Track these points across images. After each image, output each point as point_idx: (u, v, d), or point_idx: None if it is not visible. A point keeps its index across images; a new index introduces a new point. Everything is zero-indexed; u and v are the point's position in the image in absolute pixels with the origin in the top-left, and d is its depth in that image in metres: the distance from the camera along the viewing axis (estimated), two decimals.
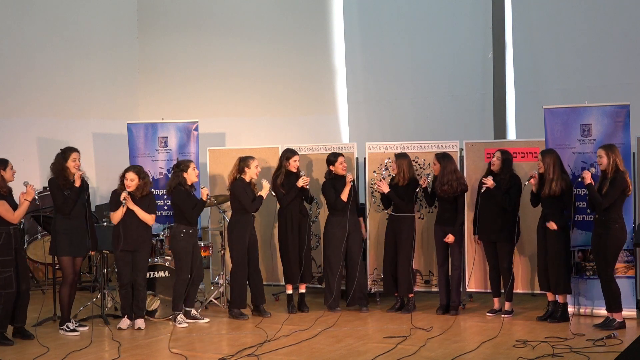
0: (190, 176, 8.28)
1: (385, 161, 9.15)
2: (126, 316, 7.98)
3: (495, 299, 8.38)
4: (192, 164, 8.35)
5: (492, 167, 8.21)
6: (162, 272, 8.43)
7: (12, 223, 7.37)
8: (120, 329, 7.87)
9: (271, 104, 12.64)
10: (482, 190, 8.13)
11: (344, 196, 8.53)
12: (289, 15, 12.72)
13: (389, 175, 8.95)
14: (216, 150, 10.01)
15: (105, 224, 8.97)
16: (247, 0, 12.91)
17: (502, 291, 8.34)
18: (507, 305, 8.23)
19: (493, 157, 8.25)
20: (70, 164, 7.68)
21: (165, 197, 9.73)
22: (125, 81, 12.89)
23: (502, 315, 8.15)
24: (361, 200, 9.34)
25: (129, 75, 13.00)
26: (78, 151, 7.79)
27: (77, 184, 7.67)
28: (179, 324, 8.04)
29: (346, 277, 8.73)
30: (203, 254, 8.89)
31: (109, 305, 8.56)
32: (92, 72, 12.26)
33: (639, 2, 10.36)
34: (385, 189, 8.48)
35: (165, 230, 9.21)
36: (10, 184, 7.52)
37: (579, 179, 7.64)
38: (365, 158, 9.29)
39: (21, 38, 11.44)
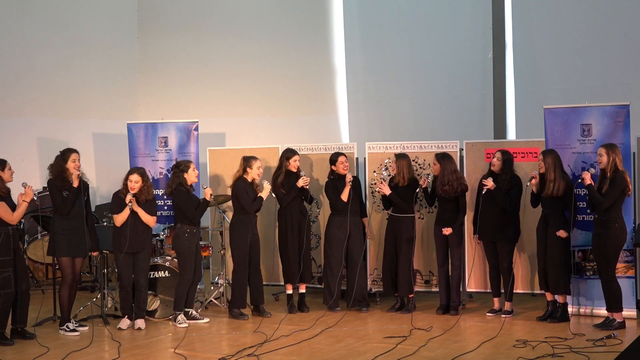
0: (191, 177, 8.28)
1: (385, 161, 9.15)
2: (126, 316, 7.98)
3: (495, 299, 8.38)
4: (192, 165, 8.35)
5: (492, 168, 8.21)
6: (163, 272, 8.43)
7: (10, 224, 7.37)
8: (120, 329, 7.87)
9: (271, 104, 12.64)
10: (483, 192, 8.13)
11: (344, 196, 8.53)
12: (289, 15, 12.72)
13: (389, 176, 8.95)
14: (216, 150, 10.01)
15: (105, 224, 8.98)
16: (247, 0, 12.91)
17: (502, 291, 8.34)
18: (507, 305, 8.23)
19: (493, 157, 8.24)
20: (70, 164, 7.68)
21: (165, 197, 9.73)
22: (125, 81, 12.89)
23: (502, 315, 8.15)
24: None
25: (129, 75, 13.00)
26: (77, 152, 7.80)
27: (75, 184, 7.67)
28: (179, 323, 8.05)
29: (347, 277, 8.73)
30: (203, 254, 8.89)
31: (109, 305, 8.56)
32: (92, 72, 12.26)
33: (639, 2, 10.36)
34: (387, 191, 8.48)
35: (166, 230, 9.21)
36: (9, 185, 7.52)
37: (579, 180, 7.64)
38: (365, 158, 9.29)
39: (21, 38, 11.44)
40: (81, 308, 8.57)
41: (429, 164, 8.86)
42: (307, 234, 8.74)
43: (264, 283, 8.86)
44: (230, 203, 9.16)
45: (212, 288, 9.36)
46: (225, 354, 6.80)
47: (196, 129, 10.12)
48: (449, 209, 8.36)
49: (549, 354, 6.56)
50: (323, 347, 7.05)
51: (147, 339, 7.54)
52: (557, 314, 7.93)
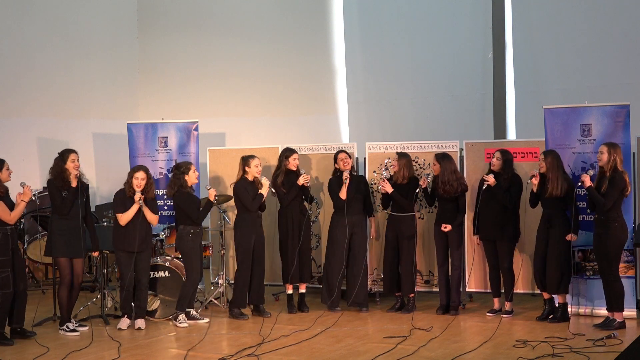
0: (191, 178, 8.28)
1: (385, 161, 9.15)
2: (126, 316, 7.98)
3: (495, 299, 8.38)
4: (192, 166, 8.36)
5: (492, 168, 8.21)
6: (163, 272, 8.43)
7: (8, 223, 7.36)
8: (120, 329, 7.86)
9: (271, 104, 12.64)
10: (484, 187, 8.13)
11: (342, 194, 8.53)
12: (289, 15, 12.72)
13: (389, 175, 8.94)
14: (216, 150, 10.01)
15: (105, 224, 8.98)
16: (247, 0, 12.91)
17: (502, 291, 8.34)
18: (507, 305, 8.23)
19: (493, 157, 8.24)
20: (70, 165, 7.68)
21: (165, 197, 9.74)
22: (125, 81, 12.89)
23: (502, 315, 8.15)
24: None
25: (129, 75, 13.00)
26: (76, 152, 7.79)
27: (74, 184, 7.67)
28: (180, 323, 8.05)
29: (347, 277, 8.73)
30: (203, 254, 8.89)
31: (109, 305, 8.56)
32: (92, 72, 12.26)
33: (639, 2, 10.35)
34: (389, 189, 8.47)
35: (166, 230, 9.21)
36: (8, 185, 7.52)
37: (579, 183, 7.63)
38: (365, 158, 9.29)
39: (21, 38, 11.44)
40: (81, 308, 8.57)
41: (429, 164, 8.86)
42: (307, 234, 8.74)
43: (264, 283, 8.85)
44: (230, 203, 9.18)
45: (212, 288, 9.36)
46: (225, 354, 6.80)
47: (196, 129, 10.12)
48: (448, 209, 8.36)
49: (549, 354, 6.56)
50: (323, 347, 7.05)
51: (147, 339, 7.54)
52: (557, 314, 7.93)
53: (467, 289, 8.94)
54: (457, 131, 11.08)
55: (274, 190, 8.51)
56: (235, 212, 8.63)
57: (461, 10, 11.61)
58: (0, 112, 11.11)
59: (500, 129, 11.27)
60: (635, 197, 8.15)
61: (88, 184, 7.98)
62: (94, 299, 8.89)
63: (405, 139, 9.81)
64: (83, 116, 12.06)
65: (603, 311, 7.76)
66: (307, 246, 8.76)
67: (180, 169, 8.29)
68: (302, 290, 8.80)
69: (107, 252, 8.50)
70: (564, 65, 10.83)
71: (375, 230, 8.89)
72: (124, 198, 7.92)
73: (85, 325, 7.91)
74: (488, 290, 8.63)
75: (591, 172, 7.65)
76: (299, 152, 8.82)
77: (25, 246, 9.77)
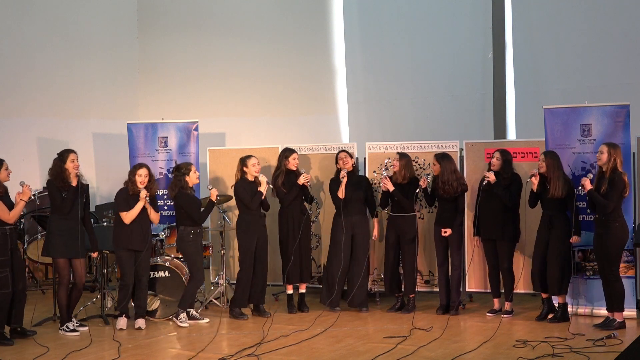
0: (192, 179, 8.29)
1: (385, 161, 9.15)
2: (124, 315, 7.97)
3: (495, 300, 8.38)
4: (192, 167, 8.36)
5: (492, 168, 8.20)
6: (163, 272, 8.43)
7: (8, 223, 7.36)
8: (122, 329, 7.86)
9: (271, 104, 12.63)
10: (484, 183, 8.13)
11: (340, 193, 8.54)
12: (289, 15, 12.72)
13: (388, 175, 8.94)
14: (216, 150, 10.01)
15: (105, 224, 8.98)
16: (247, 0, 12.91)
17: (502, 291, 8.34)
18: (507, 305, 8.23)
19: (493, 157, 8.24)
20: (69, 165, 7.67)
21: (165, 197, 9.74)
22: (125, 81, 12.89)
23: (502, 315, 8.15)
24: None
25: (129, 75, 13.00)
26: (75, 152, 7.79)
27: (74, 183, 7.67)
28: (181, 321, 8.04)
29: (347, 277, 8.72)
30: (203, 254, 8.89)
31: (109, 305, 8.56)
32: (92, 72, 12.26)
33: (639, 2, 10.35)
34: (390, 187, 8.47)
35: (166, 230, 9.22)
36: (7, 184, 7.52)
37: (580, 187, 7.61)
38: (365, 158, 9.29)
39: (21, 38, 11.44)
40: (81, 308, 8.57)
41: (429, 164, 8.86)
42: (307, 234, 8.74)
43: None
44: (230, 203, 9.19)
45: (212, 288, 9.36)
46: (225, 354, 6.80)
47: (196, 129, 10.13)
48: (448, 209, 8.36)
49: (549, 354, 6.56)
50: (323, 347, 7.05)
51: (147, 339, 7.54)
52: (557, 314, 7.93)
53: (467, 289, 8.94)
54: (457, 131, 11.08)
55: (272, 186, 8.49)
56: (236, 212, 8.63)
57: (461, 10, 11.61)
58: (0, 112, 11.11)
59: (500, 129, 11.27)
60: (635, 197, 8.15)
61: (88, 185, 7.98)
62: (94, 299, 8.89)
63: (405, 139, 9.81)
64: (83, 116, 12.06)
65: (603, 311, 7.76)
66: (307, 246, 8.76)
67: (180, 171, 8.29)
68: (302, 290, 8.79)
69: (107, 252, 8.50)
70: (564, 65, 10.83)
71: (377, 231, 8.86)
72: (127, 196, 7.92)
73: (86, 325, 7.91)
74: (488, 290, 8.62)
75: (591, 175, 7.62)
76: (299, 152, 8.81)
77: (25, 246, 9.77)
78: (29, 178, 8.35)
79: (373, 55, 12.23)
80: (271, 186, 8.47)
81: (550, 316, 7.98)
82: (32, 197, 7.56)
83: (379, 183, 9.01)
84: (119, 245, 7.92)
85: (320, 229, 9.35)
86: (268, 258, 8.64)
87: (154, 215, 8.02)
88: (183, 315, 8.11)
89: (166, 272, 8.43)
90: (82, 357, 6.89)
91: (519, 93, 11.23)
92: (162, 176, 10.00)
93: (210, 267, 9.97)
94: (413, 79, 11.94)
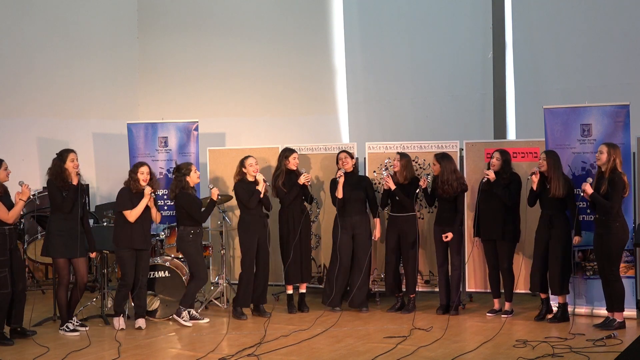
0: (193, 179, 8.30)
1: (385, 161, 9.15)
2: (122, 315, 7.97)
3: (496, 300, 8.38)
4: (193, 167, 8.37)
5: (492, 168, 8.20)
6: (163, 272, 8.43)
7: (7, 223, 7.35)
8: (122, 329, 7.85)
9: (271, 104, 12.63)
10: (484, 180, 8.13)
11: (338, 193, 8.54)
12: (289, 15, 12.72)
13: (389, 175, 8.93)
14: (216, 150, 10.01)
15: (105, 224, 8.98)
16: (247, 0, 12.91)
17: (502, 291, 8.33)
18: (507, 305, 8.23)
19: (492, 157, 8.24)
20: (69, 164, 7.67)
21: (165, 197, 9.75)
22: (125, 81, 12.89)
23: (502, 315, 8.15)
24: None
25: (129, 75, 13.00)
26: (75, 152, 7.79)
27: (75, 181, 7.67)
28: (184, 320, 8.04)
29: (350, 277, 8.71)
30: (203, 254, 8.89)
31: (109, 305, 8.55)
32: (92, 72, 12.26)
33: (639, 2, 10.35)
34: (392, 185, 8.46)
35: (166, 230, 9.22)
36: (7, 185, 7.52)
37: (581, 194, 7.60)
38: (365, 158, 9.29)
39: (21, 38, 11.44)
40: (81, 308, 8.57)
41: (429, 164, 8.86)
42: (307, 234, 8.74)
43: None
44: (230, 203, 9.19)
45: (212, 288, 9.36)
46: (225, 354, 6.80)
47: (196, 129, 10.13)
48: (448, 209, 8.36)
49: (549, 354, 6.56)
50: (323, 347, 7.05)
51: (147, 339, 7.54)
52: (557, 313, 7.93)
53: (467, 289, 8.94)
54: (457, 131, 11.07)
55: (268, 183, 8.47)
56: (237, 212, 8.64)
57: (461, 10, 11.61)
58: (0, 112, 11.11)
59: (500, 129, 11.26)
60: (635, 197, 8.15)
61: (88, 185, 7.97)
62: (94, 299, 8.89)
63: (405, 139, 9.81)
64: (83, 116, 12.06)
65: (603, 311, 7.76)
66: (307, 246, 8.76)
67: (181, 171, 8.29)
68: (303, 290, 8.79)
69: (107, 252, 8.50)
70: (564, 65, 10.83)
71: (379, 231, 8.79)
72: (130, 195, 7.92)
73: (86, 326, 7.91)
74: (488, 291, 8.62)
75: (590, 179, 7.60)
76: (299, 152, 8.81)
77: (25, 246, 9.77)
78: (28, 178, 8.35)
79: (373, 55, 12.23)
80: (268, 184, 8.45)
81: (549, 316, 7.98)
82: (32, 197, 7.54)
83: (379, 183, 9.01)
84: (121, 245, 7.91)
85: (320, 228, 9.35)
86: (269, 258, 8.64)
87: (156, 214, 8.04)
88: (185, 314, 8.11)
89: (166, 272, 8.43)
90: (82, 357, 6.89)
91: (519, 93, 11.22)
92: (162, 176, 10.00)
93: (210, 267, 9.97)
94: (413, 79, 11.93)
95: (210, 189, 8.37)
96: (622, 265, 7.83)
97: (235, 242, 9.40)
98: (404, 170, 8.46)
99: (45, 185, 7.97)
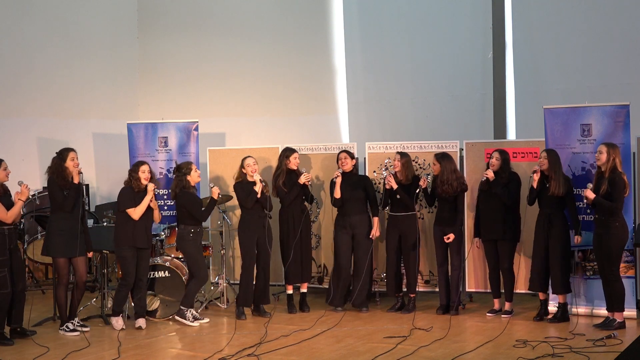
0: (193, 178, 8.30)
1: (385, 161, 9.15)
2: (121, 315, 7.96)
3: (496, 300, 8.38)
4: (193, 166, 8.37)
5: (491, 168, 8.21)
6: (163, 272, 8.43)
7: (6, 223, 7.35)
8: (123, 329, 7.85)
9: (271, 104, 12.63)
10: (482, 180, 8.13)
11: (336, 193, 8.54)
12: (289, 15, 12.72)
13: (390, 174, 8.93)
14: (216, 150, 10.01)
15: (105, 224, 8.98)
16: (247, 0, 12.91)
17: (502, 291, 8.33)
18: (507, 305, 8.23)
19: (491, 157, 8.24)
20: (69, 163, 7.67)
21: (165, 197, 9.75)
22: (125, 81, 12.89)
23: (502, 315, 8.16)
24: None
25: (129, 75, 13.00)
26: (75, 150, 7.79)
27: (76, 180, 7.67)
28: (190, 321, 8.04)
29: (352, 278, 8.71)
30: (203, 254, 8.89)
31: (109, 305, 8.55)
32: (92, 72, 12.26)
33: (639, 2, 10.35)
34: (394, 184, 8.45)
35: (166, 230, 9.22)
36: (7, 185, 7.51)
37: (584, 201, 7.58)
38: (365, 158, 9.29)
39: (21, 38, 11.44)
40: (81, 308, 8.56)
41: (429, 164, 8.86)
42: (307, 233, 8.74)
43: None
44: (230, 203, 9.19)
45: (212, 288, 9.36)
46: (225, 354, 6.80)
47: (196, 129, 10.13)
48: (448, 209, 8.36)
49: (549, 354, 6.56)
50: (323, 347, 7.05)
51: (147, 339, 7.54)
52: (557, 313, 7.93)
53: (467, 289, 8.94)
54: (457, 131, 11.07)
55: (264, 182, 8.45)
56: (237, 212, 8.64)
57: (461, 10, 11.61)
58: (0, 112, 11.11)
59: (500, 129, 11.26)
60: (635, 197, 8.15)
61: (88, 185, 7.97)
62: (94, 299, 8.89)
63: (405, 139, 9.81)
64: (83, 116, 12.06)
65: (603, 311, 7.76)
66: (308, 246, 8.76)
67: (181, 170, 8.29)
68: (304, 290, 8.79)
69: (107, 252, 8.50)
70: (564, 65, 10.83)
71: (377, 230, 8.73)
72: (131, 194, 7.92)
73: (88, 326, 7.89)
74: (488, 291, 8.63)
75: (590, 185, 7.59)
76: (299, 152, 8.81)
77: (25, 246, 9.76)
78: (28, 178, 8.34)
79: (373, 55, 12.23)
80: (264, 184, 8.41)
81: (549, 316, 7.98)
82: (31, 197, 7.53)
83: (379, 183, 9.01)
84: (122, 244, 7.90)
85: (320, 228, 9.34)
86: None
87: (157, 212, 8.04)
88: (190, 315, 8.11)
89: (166, 272, 8.43)
90: (82, 357, 6.89)
91: (519, 93, 11.22)
92: (162, 176, 10.00)
93: (210, 267, 9.97)
94: (413, 79, 11.93)
95: (211, 187, 8.37)
96: (622, 265, 7.83)
97: (235, 242, 9.40)
98: (405, 170, 8.46)
99: (46, 185, 7.96)
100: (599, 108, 8.16)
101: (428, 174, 8.77)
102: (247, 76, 12.69)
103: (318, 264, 9.37)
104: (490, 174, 8.08)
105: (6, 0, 11.29)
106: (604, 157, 7.46)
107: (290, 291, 8.73)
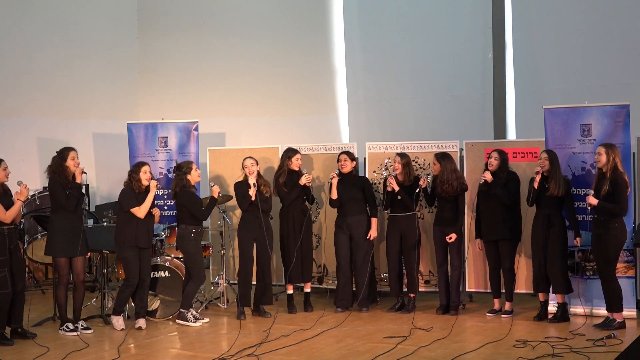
0: (194, 177, 8.30)
1: (385, 161, 9.15)
2: (122, 315, 7.96)
3: (496, 300, 8.38)
4: (193, 166, 8.36)
5: (490, 168, 8.20)
6: (163, 272, 8.43)
7: (5, 223, 7.34)
8: (123, 329, 7.85)
9: (271, 104, 12.64)
10: (481, 182, 8.13)
11: (332, 194, 8.55)
12: (289, 15, 12.72)
13: (389, 174, 8.93)
14: (216, 150, 10.01)
15: (105, 224, 8.98)
16: (247, 0, 12.92)
17: (503, 291, 8.33)
18: (507, 305, 8.23)
19: (490, 157, 8.23)
20: (70, 162, 7.67)
21: (165, 197, 9.75)
22: (125, 81, 12.90)
23: (502, 315, 8.15)
24: None
25: (129, 75, 13.01)
26: (75, 150, 7.78)
27: (79, 179, 7.67)
28: (191, 322, 8.04)
29: (354, 278, 8.72)
30: (203, 254, 8.90)
31: (109, 305, 8.55)
32: (92, 72, 12.27)
33: (639, 2, 10.35)
34: (396, 186, 8.44)
35: (166, 230, 9.22)
36: (7, 185, 7.51)
37: (588, 208, 7.57)
38: (365, 158, 9.29)
39: (21, 38, 11.45)
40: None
41: (429, 164, 8.86)
42: (308, 234, 8.74)
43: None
44: (230, 203, 9.19)
45: (212, 288, 9.36)
46: (225, 354, 6.80)
47: (196, 129, 10.13)
48: (448, 209, 8.35)
49: (549, 354, 6.56)
50: (323, 347, 7.05)
51: (147, 339, 7.54)
52: (557, 314, 7.94)
53: (467, 289, 8.94)
54: (457, 131, 11.08)
55: (255, 185, 8.40)
56: (236, 212, 8.64)
57: (461, 10, 11.61)
58: (0, 112, 11.11)
59: (500, 129, 11.27)
60: (635, 197, 8.15)
61: (88, 185, 7.97)
62: (94, 299, 8.88)
63: (405, 139, 9.80)
64: (83, 116, 12.07)
65: (603, 311, 7.76)
66: (308, 246, 8.75)
67: (182, 170, 8.29)
68: (307, 289, 8.79)
69: (107, 252, 8.49)
70: (564, 65, 10.83)
71: (375, 231, 8.70)
72: (133, 193, 7.91)
73: (90, 328, 7.85)
74: (488, 290, 8.62)
75: (591, 191, 7.57)
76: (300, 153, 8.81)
77: (25, 246, 9.76)
78: (28, 178, 8.34)
79: (373, 55, 12.23)
80: (255, 185, 8.35)
81: (549, 316, 7.98)
82: (30, 197, 7.53)
83: (379, 183, 9.01)
84: (124, 244, 7.88)
85: (320, 229, 9.34)
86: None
87: (157, 212, 8.06)
88: (191, 316, 8.11)
89: (166, 272, 8.43)
90: (82, 357, 6.89)
91: (519, 93, 11.23)
92: (162, 176, 10.00)
93: (210, 267, 9.97)
94: (413, 79, 11.94)
95: (211, 186, 8.37)
96: (622, 265, 7.83)
97: (235, 242, 9.39)
98: (406, 171, 8.45)
99: (46, 185, 7.95)
100: (599, 108, 8.15)
101: (428, 174, 8.76)
102: (247, 76, 12.70)
103: (318, 264, 9.37)
104: (488, 176, 8.07)
105: (6, 0, 11.29)
106: (603, 158, 7.46)
107: (290, 291, 8.73)
